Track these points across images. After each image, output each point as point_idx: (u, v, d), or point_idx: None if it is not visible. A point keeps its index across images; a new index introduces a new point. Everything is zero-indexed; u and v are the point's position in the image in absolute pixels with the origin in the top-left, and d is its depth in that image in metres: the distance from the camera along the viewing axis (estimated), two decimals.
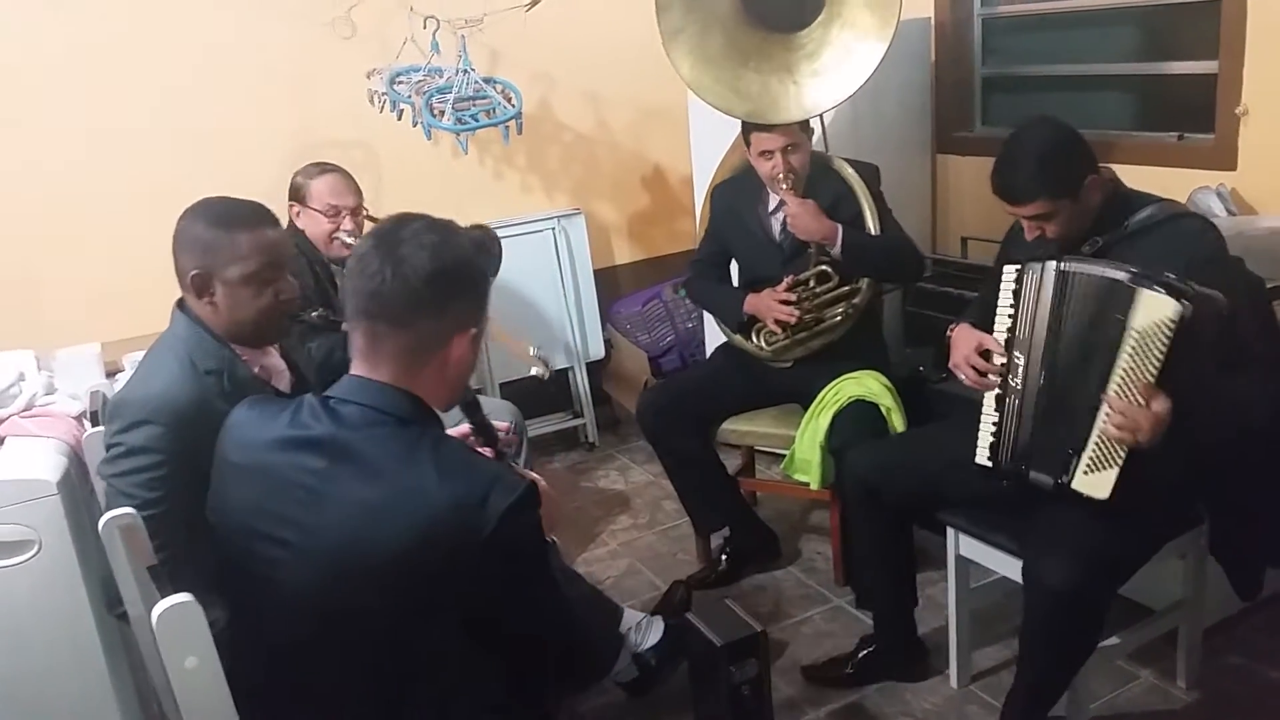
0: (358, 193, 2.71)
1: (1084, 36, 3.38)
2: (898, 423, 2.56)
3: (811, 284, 2.63)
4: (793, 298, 2.61)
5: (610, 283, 3.96)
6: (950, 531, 2.22)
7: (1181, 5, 2.99)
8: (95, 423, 2.05)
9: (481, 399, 3.20)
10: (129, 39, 3.07)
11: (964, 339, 2.08)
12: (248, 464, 1.41)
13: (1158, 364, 1.75)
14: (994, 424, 2.01)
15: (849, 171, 2.64)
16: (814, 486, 2.61)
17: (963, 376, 2.07)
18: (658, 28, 2.60)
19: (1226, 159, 2.82)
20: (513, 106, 3.25)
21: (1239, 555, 2.11)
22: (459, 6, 3.23)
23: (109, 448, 1.67)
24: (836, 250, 2.56)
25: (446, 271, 1.35)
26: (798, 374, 2.71)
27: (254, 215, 1.74)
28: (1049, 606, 1.85)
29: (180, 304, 1.77)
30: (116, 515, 1.46)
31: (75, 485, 1.94)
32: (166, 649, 1.29)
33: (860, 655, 2.37)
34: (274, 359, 1.86)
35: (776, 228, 2.70)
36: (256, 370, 1.79)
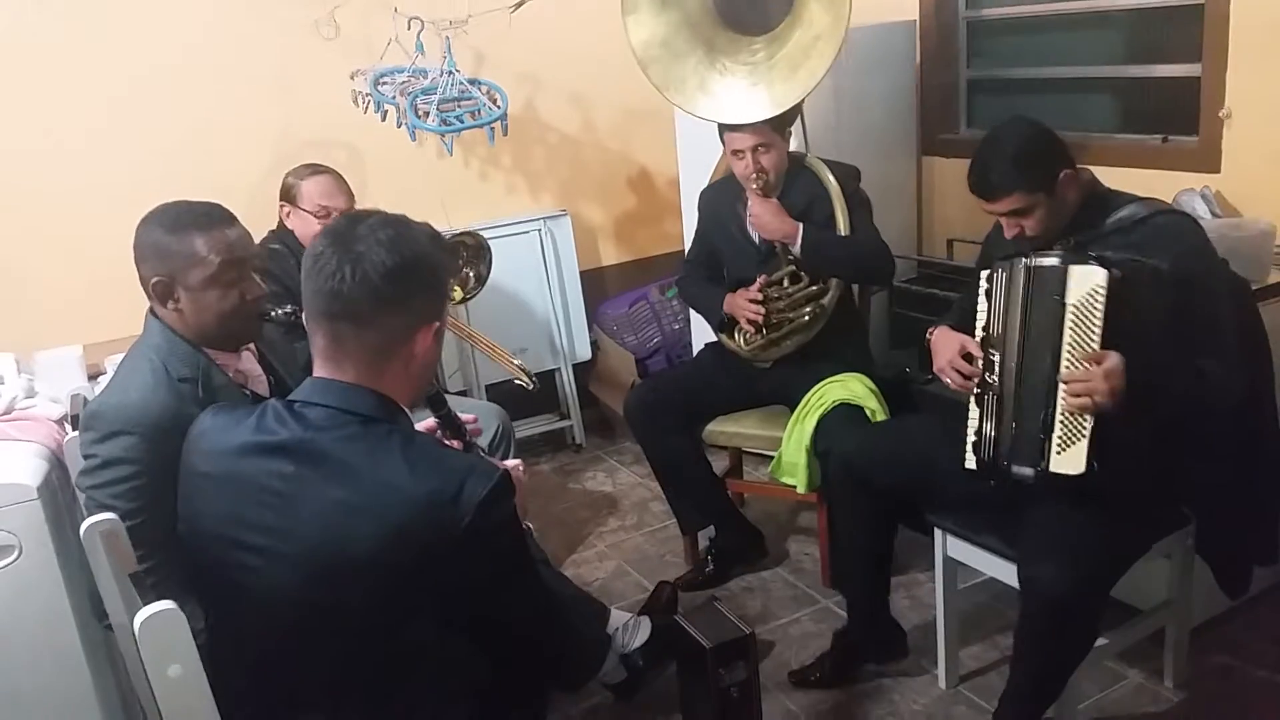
0: (349, 194, 2.70)
1: (1069, 39, 3.40)
2: None
3: (785, 283, 2.64)
4: (760, 297, 2.63)
5: (597, 284, 3.96)
6: (938, 533, 2.22)
7: (1165, 9, 3.01)
8: (76, 426, 2.03)
9: (468, 400, 3.22)
10: (110, 38, 3.04)
11: (946, 343, 2.09)
12: (216, 473, 1.39)
13: (1098, 329, 1.82)
14: (975, 424, 2.02)
15: (825, 173, 2.65)
16: (801, 490, 2.61)
17: (948, 380, 2.08)
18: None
19: (1210, 161, 2.83)
20: (498, 108, 3.24)
21: (1226, 554, 2.13)
22: (444, 7, 3.21)
23: (85, 458, 1.66)
24: (797, 249, 2.57)
25: (406, 266, 1.33)
26: (783, 376, 2.71)
27: (209, 217, 1.70)
28: (1046, 608, 1.85)
29: (152, 311, 1.75)
30: (98, 521, 1.44)
31: (56, 490, 1.91)
32: (149, 657, 1.27)
33: (835, 649, 2.38)
34: (250, 364, 1.83)
35: (753, 229, 2.71)
36: (232, 374, 1.76)
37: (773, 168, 2.58)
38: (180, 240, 1.66)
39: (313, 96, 3.30)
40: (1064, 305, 1.86)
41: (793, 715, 2.30)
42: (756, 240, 2.71)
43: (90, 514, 1.60)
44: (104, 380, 2.79)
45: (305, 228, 2.65)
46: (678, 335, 3.92)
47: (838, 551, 2.61)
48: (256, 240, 1.99)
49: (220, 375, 1.73)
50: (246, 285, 1.72)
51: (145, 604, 1.28)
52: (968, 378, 2.03)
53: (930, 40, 3.67)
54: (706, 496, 2.83)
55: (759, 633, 2.43)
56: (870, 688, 2.35)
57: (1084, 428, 1.85)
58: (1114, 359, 1.79)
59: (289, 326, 2.06)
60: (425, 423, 1.72)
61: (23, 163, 3.00)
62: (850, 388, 2.58)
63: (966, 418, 2.04)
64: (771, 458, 2.70)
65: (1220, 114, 2.78)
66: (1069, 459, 1.87)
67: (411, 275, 1.34)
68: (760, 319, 2.63)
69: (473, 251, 3.14)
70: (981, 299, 2.01)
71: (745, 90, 2.61)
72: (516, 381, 2.99)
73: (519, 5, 3.20)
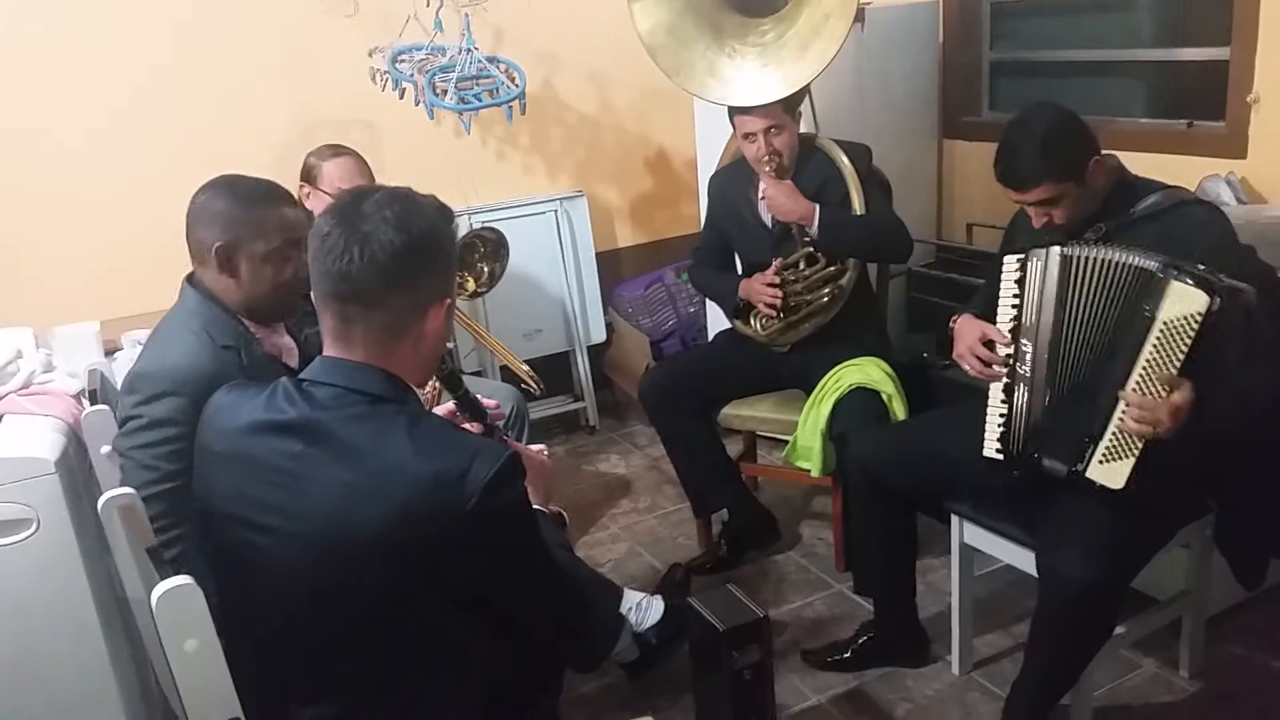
0: (370, 177, 2.69)
1: (1094, 21, 3.35)
2: (899, 410, 2.55)
3: (800, 266, 2.62)
4: (778, 280, 2.61)
5: (612, 266, 3.94)
6: (955, 519, 2.21)
7: None
8: (94, 401, 2.04)
9: (483, 381, 3.22)
10: (130, 16, 3.03)
11: (967, 329, 2.07)
12: (226, 451, 1.39)
13: (1181, 357, 1.73)
14: (1002, 414, 1.99)
15: (837, 152, 2.63)
16: (815, 474, 2.60)
17: (967, 367, 2.06)
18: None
19: (1237, 147, 2.80)
20: (516, 86, 3.22)
21: (1243, 546, 2.10)
22: None
23: (126, 420, 1.68)
24: (814, 230, 2.55)
25: (415, 244, 1.31)
26: (799, 360, 2.70)
27: (275, 194, 1.79)
28: (1067, 598, 1.83)
29: (190, 279, 1.78)
30: (115, 495, 1.44)
31: (74, 464, 1.92)
32: (166, 631, 1.28)
33: (860, 641, 2.37)
34: (283, 336, 1.88)
35: (766, 212, 2.69)
36: (268, 348, 1.80)
37: (785, 149, 2.56)
38: (250, 210, 1.73)
39: (331, 74, 3.29)
40: (1154, 319, 1.76)
41: (806, 699, 2.30)
42: (769, 223, 2.69)
43: (128, 476, 1.64)
44: (121, 355, 2.81)
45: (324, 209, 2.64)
46: (693, 318, 3.91)
47: (858, 556, 2.59)
48: None
49: (258, 346, 1.77)
50: (299, 264, 1.76)
51: (162, 579, 1.28)
52: (987, 364, 2.01)
53: (953, 21, 3.63)
54: (720, 479, 2.83)
55: (772, 616, 2.43)
56: (883, 673, 2.35)
57: (1135, 447, 1.80)
58: (1186, 393, 1.72)
59: (309, 314, 2.08)
60: (445, 405, 1.72)
61: (44, 141, 3.00)
62: (867, 372, 2.57)
63: (987, 405, 2.02)
64: (786, 442, 2.69)
65: (1248, 98, 2.74)
66: (1111, 472, 1.83)
67: (421, 253, 1.32)
68: (778, 303, 2.61)
69: (491, 247, 3.13)
70: (1012, 286, 1.97)
71: (756, 71, 2.58)
72: (522, 386, 3.00)
73: None
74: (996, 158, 1.96)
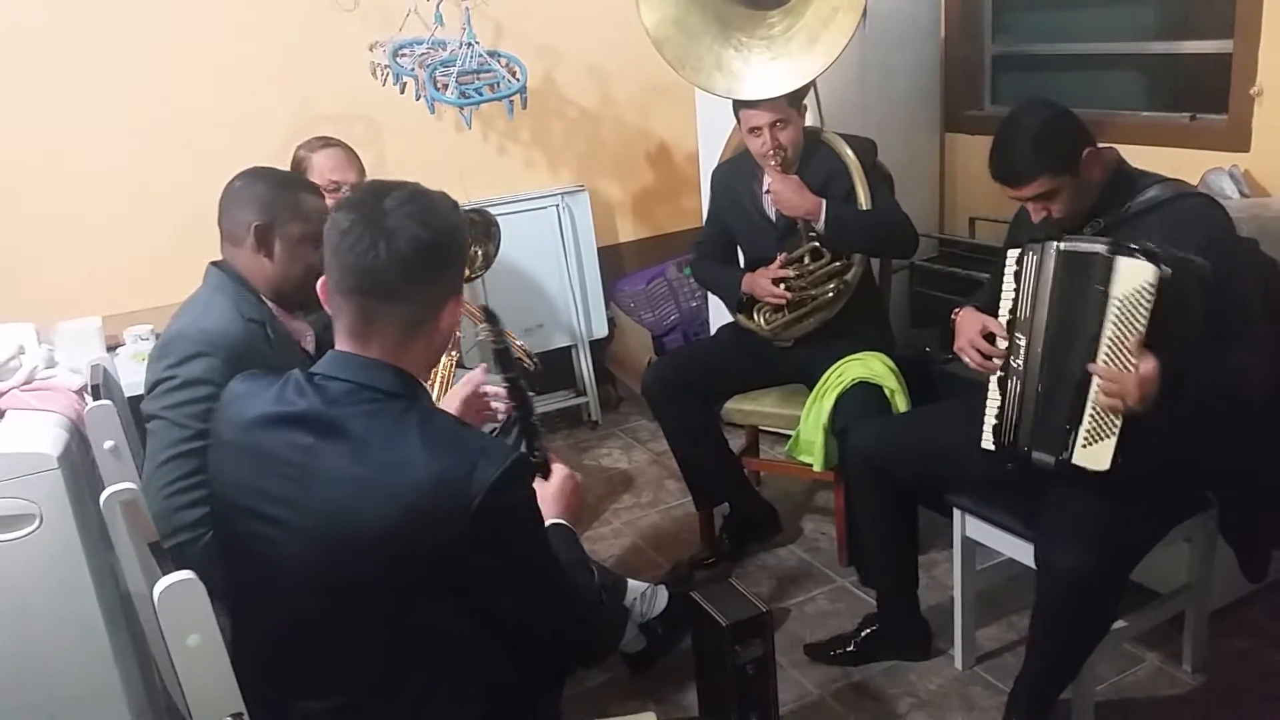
0: (360, 168, 2.69)
1: (1096, 14, 3.34)
2: (901, 404, 2.54)
3: (805, 260, 2.62)
4: (788, 273, 2.60)
5: (614, 260, 3.94)
6: (957, 513, 2.21)
7: None
8: (96, 396, 2.04)
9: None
10: (127, 11, 3.03)
11: (968, 322, 2.07)
12: (237, 442, 1.39)
13: (1141, 328, 1.76)
14: (997, 407, 2.00)
15: (842, 147, 2.62)
16: (817, 468, 2.60)
17: (967, 359, 2.06)
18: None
19: (1240, 140, 2.79)
20: (517, 81, 3.21)
21: (1248, 538, 2.10)
22: None
23: (158, 383, 1.70)
24: (820, 225, 2.54)
25: (438, 239, 1.33)
26: (802, 355, 2.69)
27: (308, 183, 1.95)
28: (1063, 591, 1.84)
29: (215, 264, 1.85)
30: (118, 490, 1.44)
31: (76, 460, 1.92)
32: (168, 626, 1.27)
33: (863, 634, 2.37)
34: (301, 321, 1.94)
35: (770, 206, 2.68)
36: (289, 329, 1.87)
37: (791, 143, 2.55)
38: (290, 195, 1.83)
39: (331, 68, 3.28)
40: (1107, 296, 1.79)
41: (808, 693, 2.30)
42: (773, 218, 2.68)
43: (160, 435, 1.68)
44: (123, 351, 2.81)
45: None
46: (695, 312, 3.90)
47: (862, 548, 2.59)
48: None
49: (281, 326, 1.83)
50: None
51: (164, 574, 1.28)
52: (987, 358, 2.01)
53: (955, 14, 3.62)
54: (723, 474, 2.82)
55: (774, 610, 2.43)
56: (886, 667, 2.35)
57: (1114, 425, 1.81)
58: (1150, 365, 1.73)
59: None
60: (495, 388, 1.73)
61: (45, 137, 3.00)
62: (870, 366, 2.56)
63: (986, 398, 2.02)
64: (788, 437, 2.69)
65: (1251, 91, 2.73)
66: (1094, 454, 1.84)
67: (443, 249, 1.34)
68: (784, 300, 2.60)
69: (480, 229, 3.12)
70: (1010, 280, 1.97)
71: (764, 65, 2.57)
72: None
73: None
74: (991, 156, 1.97)
